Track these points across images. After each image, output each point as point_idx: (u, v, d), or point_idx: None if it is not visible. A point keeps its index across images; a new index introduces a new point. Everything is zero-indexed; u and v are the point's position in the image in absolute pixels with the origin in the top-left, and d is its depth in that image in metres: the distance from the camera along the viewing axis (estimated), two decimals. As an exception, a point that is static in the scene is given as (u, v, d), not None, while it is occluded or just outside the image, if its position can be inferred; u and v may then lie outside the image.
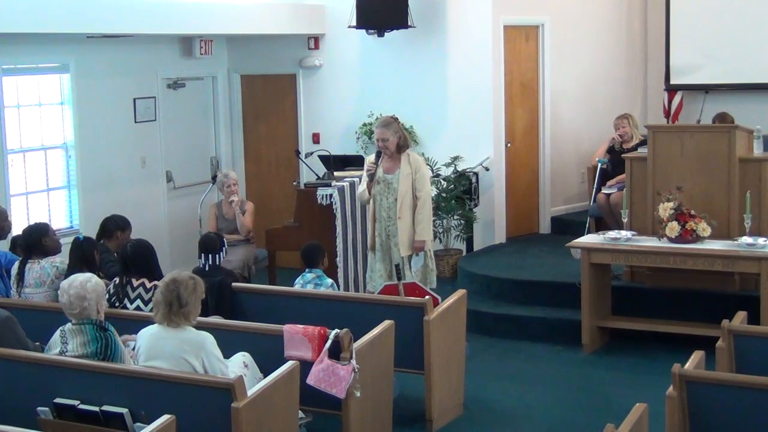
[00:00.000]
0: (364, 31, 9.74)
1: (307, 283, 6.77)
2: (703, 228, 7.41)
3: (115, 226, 7.18)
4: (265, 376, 5.15)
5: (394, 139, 7.46)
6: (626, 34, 11.02)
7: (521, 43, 10.05)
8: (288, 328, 5.55)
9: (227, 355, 5.27)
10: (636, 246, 7.56)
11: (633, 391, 6.64)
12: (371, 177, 7.44)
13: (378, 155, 7.49)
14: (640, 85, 11.17)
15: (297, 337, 5.50)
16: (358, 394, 5.43)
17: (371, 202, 7.54)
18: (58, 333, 5.23)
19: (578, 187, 10.56)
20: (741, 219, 7.48)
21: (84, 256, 6.41)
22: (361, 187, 7.59)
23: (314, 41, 10.44)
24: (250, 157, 11.00)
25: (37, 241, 6.58)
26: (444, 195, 9.41)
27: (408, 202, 7.43)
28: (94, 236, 7.04)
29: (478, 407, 6.67)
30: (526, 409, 6.65)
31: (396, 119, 7.65)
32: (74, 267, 6.26)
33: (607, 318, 7.92)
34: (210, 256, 6.65)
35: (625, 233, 7.69)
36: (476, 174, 9.58)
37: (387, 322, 5.88)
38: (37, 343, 5.54)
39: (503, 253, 9.55)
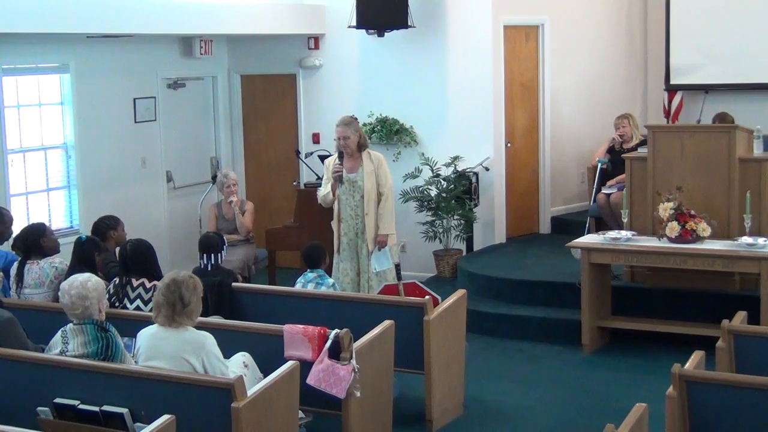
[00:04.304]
0: (364, 31, 9.74)
1: (308, 282, 6.78)
2: (703, 228, 7.41)
3: (105, 226, 7.17)
4: (265, 376, 5.15)
5: (354, 138, 7.65)
6: (626, 34, 11.02)
7: (521, 43, 10.05)
8: (288, 328, 5.55)
9: (227, 355, 5.27)
10: (636, 246, 7.56)
11: (633, 391, 6.65)
12: (339, 178, 7.60)
13: (340, 155, 7.63)
14: (640, 85, 11.16)
15: (297, 337, 5.50)
16: (358, 394, 5.43)
17: (337, 203, 7.69)
18: (59, 333, 5.23)
19: (578, 187, 10.56)
20: (741, 219, 7.48)
21: (84, 256, 6.41)
22: (324, 189, 7.75)
23: (314, 41, 10.44)
24: (250, 157, 11.00)
25: (35, 241, 6.58)
26: (444, 195, 9.41)
27: (374, 198, 7.63)
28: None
29: (478, 407, 6.67)
30: (526, 409, 6.65)
31: (355, 118, 7.84)
32: (74, 267, 6.26)
33: (607, 318, 7.92)
34: (211, 255, 6.66)
35: (625, 233, 7.70)
36: (476, 174, 9.57)
37: (387, 322, 5.88)
38: (40, 346, 5.54)
39: (503, 253, 9.55)
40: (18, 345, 5.35)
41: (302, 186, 9.87)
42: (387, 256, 7.59)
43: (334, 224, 7.80)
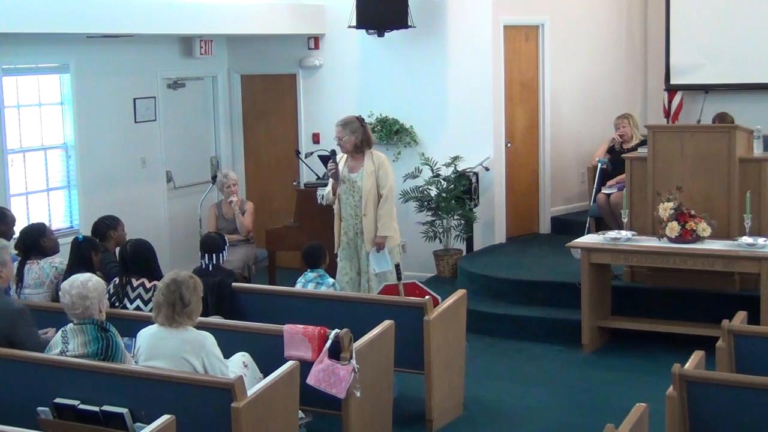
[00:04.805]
0: (364, 31, 9.74)
1: (308, 281, 6.78)
2: (703, 228, 7.41)
3: (105, 226, 7.18)
4: (265, 376, 5.15)
5: (350, 138, 7.58)
6: (626, 34, 11.02)
7: (521, 43, 10.05)
8: (288, 328, 5.55)
9: (227, 355, 5.27)
10: (636, 246, 7.56)
11: (633, 391, 6.64)
12: (335, 177, 7.60)
13: (333, 154, 7.70)
14: (640, 85, 11.16)
15: (297, 337, 5.50)
16: (358, 394, 5.43)
17: (337, 201, 7.68)
18: (59, 333, 5.24)
19: (578, 187, 10.56)
20: (741, 219, 7.48)
21: (81, 256, 6.40)
22: (327, 188, 7.78)
23: (314, 41, 10.44)
24: (250, 157, 11.00)
25: (35, 241, 6.57)
26: (444, 195, 9.41)
27: (373, 199, 7.57)
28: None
29: (478, 407, 6.67)
30: (526, 409, 6.65)
31: (358, 118, 7.75)
32: (72, 268, 6.26)
33: (607, 318, 7.92)
34: (212, 256, 6.66)
35: (625, 233, 7.69)
36: (476, 174, 9.57)
37: (387, 322, 5.88)
38: (48, 331, 5.54)
39: (503, 253, 9.55)
40: (29, 336, 5.38)
41: (302, 186, 9.86)
42: (386, 258, 7.56)
43: (336, 223, 7.79)
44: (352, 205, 7.65)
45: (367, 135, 7.69)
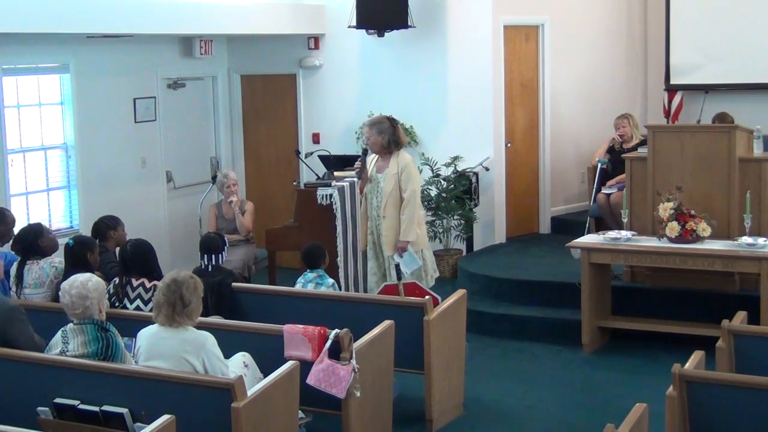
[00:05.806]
0: (364, 31, 9.75)
1: (308, 282, 6.77)
2: (703, 228, 7.41)
3: (106, 226, 7.16)
4: (265, 376, 5.15)
5: (378, 139, 7.49)
6: (626, 34, 11.02)
7: (521, 43, 10.05)
8: (288, 328, 5.55)
9: (227, 355, 5.27)
10: (636, 246, 7.56)
11: (633, 391, 6.65)
12: (359, 175, 7.55)
13: (365, 153, 7.60)
14: (640, 85, 11.17)
15: (297, 337, 5.50)
16: (358, 394, 5.43)
17: (364, 200, 7.62)
18: (59, 333, 5.24)
19: (578, 187, 10.56)
20: (741, 219, 7.48)
21: (76, 259, 6.36)
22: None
23: (314, 41, 10.44)
24: (250, 157, 11.00)
25: (33, 242, 6.55)
26: (444, 195, 9.41)
27: (393, 202, 7.46)
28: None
29: (478, 407, 6.67)
30: (526, 409, 6.65)
31: (388, 119, 7.65)
32: (69, 271, 6.22)
33: (607, 318, 7.92)
34: (212, 256, 6.66)
35: (625, 233, 7.70)
36: (476, 174, 9.58)
37: (387, 322, 5.88)
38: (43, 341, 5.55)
39: (503, 253, 9.55)
40: (21, 335, 5.37)
41: (302, 186, 9.85)
42: (413, 257, 7.44)
43: (361, 221, 7.66)
44: (375, 205, 7.58)
45: (396, 136, 7.54)
